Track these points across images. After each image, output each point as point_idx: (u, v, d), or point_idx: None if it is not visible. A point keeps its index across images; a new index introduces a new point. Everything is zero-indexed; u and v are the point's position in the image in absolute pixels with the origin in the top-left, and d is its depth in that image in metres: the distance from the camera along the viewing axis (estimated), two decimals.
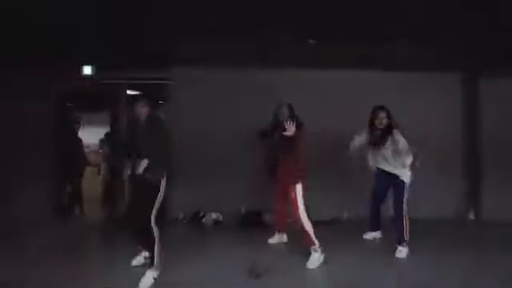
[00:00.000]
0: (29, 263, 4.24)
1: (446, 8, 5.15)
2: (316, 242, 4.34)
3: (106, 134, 8.49)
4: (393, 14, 5.34)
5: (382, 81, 6.67)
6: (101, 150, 9.02)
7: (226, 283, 3.73)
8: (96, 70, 6.79)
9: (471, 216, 6.64)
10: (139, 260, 4.13)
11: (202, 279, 3.81)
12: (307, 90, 6.47)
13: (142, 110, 3.84)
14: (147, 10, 5.28)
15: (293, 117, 4.55)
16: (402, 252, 4.57)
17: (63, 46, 6.11)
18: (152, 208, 3.75)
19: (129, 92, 7.00)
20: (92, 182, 8.21)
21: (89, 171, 8.04)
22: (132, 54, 6.32)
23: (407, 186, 4.68)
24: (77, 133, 7.58)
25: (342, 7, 5.09)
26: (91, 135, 8.68)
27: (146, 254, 4.00)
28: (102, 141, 9.05)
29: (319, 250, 4.30)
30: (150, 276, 3.61)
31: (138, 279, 3.58)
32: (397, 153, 4.64)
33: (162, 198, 3.80)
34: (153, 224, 3.72)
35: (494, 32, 5.80)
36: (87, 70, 6.78)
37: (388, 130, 4.70)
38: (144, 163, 3.67)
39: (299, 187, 4.49)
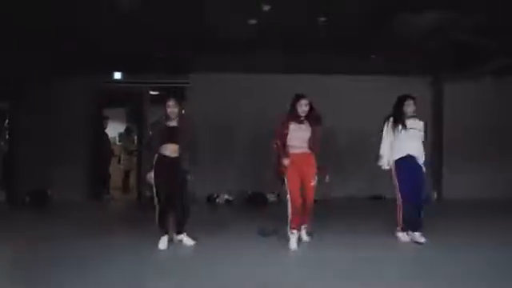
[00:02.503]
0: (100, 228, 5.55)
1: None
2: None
3: (127, 129, 9.76)
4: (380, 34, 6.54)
5: (367, 84, 8.08)
6: (119, 143, 10.31)
7: (243, 241, 4.83)
8: (124, 74, 8.02)
9: (434, 196, 8.12)
10: (164, 242, 4.46)
11: (219, 241, 4.84)
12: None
13: (174, 108, 4.43)
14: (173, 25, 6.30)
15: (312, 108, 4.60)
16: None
17: (98, 54, 7.22)
18: (187, 188, 4.52)
19: (153, 92, 8.28)
20: (115, 170, 9.48)
21: (114, 161, 9.30)
22: (157, 62, 7.53)
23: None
24: (105, 127, 8.82)
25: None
26: (114, 130, 9.87)
27: (169, 236, 4.50)
28: (120, 135, 10.32)
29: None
30: (186, 237, 4.61)
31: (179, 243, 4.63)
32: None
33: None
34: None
35: (453, 45, 7.14)
36: (117, 75, 8.02)
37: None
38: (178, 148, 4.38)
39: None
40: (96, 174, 8.39)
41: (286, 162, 4.51)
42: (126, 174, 9.62)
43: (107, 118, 8.81)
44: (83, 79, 7.90)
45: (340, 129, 7.90)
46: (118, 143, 10.36)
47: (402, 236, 4.80)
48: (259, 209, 7.20)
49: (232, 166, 7.88)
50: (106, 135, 8.89)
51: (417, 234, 4.75)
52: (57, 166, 7.83)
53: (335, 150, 7.84)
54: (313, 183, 4.54)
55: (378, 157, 4.92)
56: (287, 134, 4.55)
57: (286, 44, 7.05)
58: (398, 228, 4.82)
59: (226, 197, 7.79)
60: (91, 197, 8.14)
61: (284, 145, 4.57)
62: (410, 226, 4.78)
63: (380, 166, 4.92)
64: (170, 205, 4.50)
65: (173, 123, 4.52)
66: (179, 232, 4.65)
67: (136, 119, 8.91)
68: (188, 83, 8.00)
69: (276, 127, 4.64)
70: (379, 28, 6.37)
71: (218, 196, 7.79)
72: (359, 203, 7.77)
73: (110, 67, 7.97)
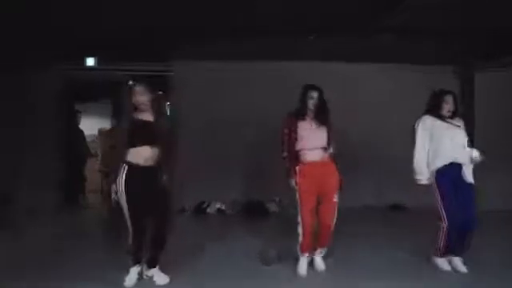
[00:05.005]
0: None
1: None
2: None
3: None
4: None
5: (385, 74, 6.94)
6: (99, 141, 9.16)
7: (239, 271, 3.83)
8: (99, 61, 6.83)
9: None
10: (133, 277, 3.42)
11: (213, 268, 3.91)
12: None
13: (142, 96, 3.39)
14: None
15: (324, 102, 3.76)
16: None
17: (68, 38, 6.14)
18: (169, 209, 3.49)
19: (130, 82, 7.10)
20: (94, 172, 8.33)
21: (90, 162, 8.14)
22: (136, 47, 6.39)
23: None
24: (78, 124, 7.66)
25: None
26: (91, 126, 8.73)
27: (139, 269, 3.48)
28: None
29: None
30: (159, 272, 3.48)
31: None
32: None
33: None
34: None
35: (486, 26, 6.06)
36: (90, 61, 6.81)
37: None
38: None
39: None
40: (68, 177, 7.24)
41: (292, 183, 3.72)
42: (105, 175, 8.47)
43: (79, 113, 7.63)
44: (51, 67, 6.66)
45: (353, 126, 6.66)
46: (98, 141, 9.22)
47: (442, 263, 3.80)
48: (258, 220, 6.08)
49: (225, 170, 6.62)
50: (81, 132, 7.73)
51: (458, 259, 3.75)
52: (22, 170, 6.63)
53: (347, 151, 6.63)
54: (335, 199, 3.70)
55: (414, 170, 3.84)
56: (296, 139, 3.71)
57: (287, 26, 6.02)
58: (437, 253, 3.82)
59: (218, 206, 6.61)
60: (63, 204, 6.95)
61: (295, 154, 3.73)
62: (453, 250, 3.76)
63: (418, 180, 3.83)
64: (145, 232, 3.39)
65: (145, 116, 3.39)
66: (150, 266, 3.51)
67: (114, 114, 7.75)
68: (171, 72, 6.75)
69: (281, 131, 3.80)
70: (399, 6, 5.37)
71: (208, 205, 6.62)
72: (375, 214, 6.58)
73: (81, 53, 6.76)
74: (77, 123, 7.59)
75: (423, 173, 3.78)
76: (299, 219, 3.70)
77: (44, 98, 6.79)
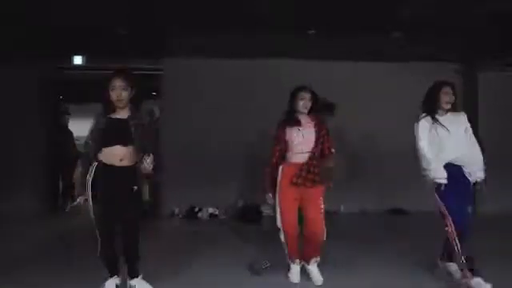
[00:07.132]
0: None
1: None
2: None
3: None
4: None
5: (384, 73, 6.69)
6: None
7: (228, 280, 3.59)
8: (87, 59, 6.58)
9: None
10: None
11: (199, 277, 3.66)
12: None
13: (123, 90, 3.03)
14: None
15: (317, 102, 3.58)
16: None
17: (53, 34, 5.92)
18: (139, 215, 3.18)
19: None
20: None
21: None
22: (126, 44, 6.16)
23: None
24: (66, 125, 7.40)
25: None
26: (82, 127, 8.44)
27: (117, 281, 3.21)
28: None
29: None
30: (142, 282, 3.18)
31: None
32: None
33: None
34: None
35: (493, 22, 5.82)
36: (78, 59, 6.56)
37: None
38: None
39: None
40: (55, 181, 6.98)
41: (269, 199, 3.55)
42: None
43: (68, 114, 7.36)
44: (36, 66, 6.43)
45: (351, 127, 6.38)
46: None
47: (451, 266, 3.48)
48: (252, 225, 5.82)
49: (218, 173, 6.34)
50: (70, 134, 7.45)
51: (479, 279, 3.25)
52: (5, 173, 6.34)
53: (345, 153, 6.38)
54: (322, 205, 3.41)
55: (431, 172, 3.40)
56: (285, 150, 3.49)
57: (287, 22, 5.80)
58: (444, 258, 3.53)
59: (211, 210, 6.33)
60: (48, 210, 6.67)
61: (277, 169, 3.50)
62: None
63: (439, 180, 3.34)
64: (113, 239, 3.12)
65: (120, 115, 3.08)
66: (132, 275, 3.21)
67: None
68: (161, 70, 6.46)
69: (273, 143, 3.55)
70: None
71: (200, 209, 6.33)
72: (376, 219, 6.30)
73: (69, 51, 6.51)
74: (65, 124, 7.31)
75: (441, 171, 3.34)
76: (279, 226, 3.45)
77: (29, 97, 6.54)
